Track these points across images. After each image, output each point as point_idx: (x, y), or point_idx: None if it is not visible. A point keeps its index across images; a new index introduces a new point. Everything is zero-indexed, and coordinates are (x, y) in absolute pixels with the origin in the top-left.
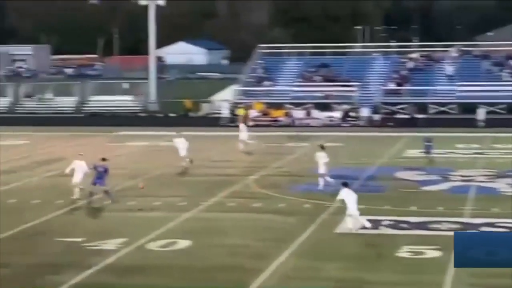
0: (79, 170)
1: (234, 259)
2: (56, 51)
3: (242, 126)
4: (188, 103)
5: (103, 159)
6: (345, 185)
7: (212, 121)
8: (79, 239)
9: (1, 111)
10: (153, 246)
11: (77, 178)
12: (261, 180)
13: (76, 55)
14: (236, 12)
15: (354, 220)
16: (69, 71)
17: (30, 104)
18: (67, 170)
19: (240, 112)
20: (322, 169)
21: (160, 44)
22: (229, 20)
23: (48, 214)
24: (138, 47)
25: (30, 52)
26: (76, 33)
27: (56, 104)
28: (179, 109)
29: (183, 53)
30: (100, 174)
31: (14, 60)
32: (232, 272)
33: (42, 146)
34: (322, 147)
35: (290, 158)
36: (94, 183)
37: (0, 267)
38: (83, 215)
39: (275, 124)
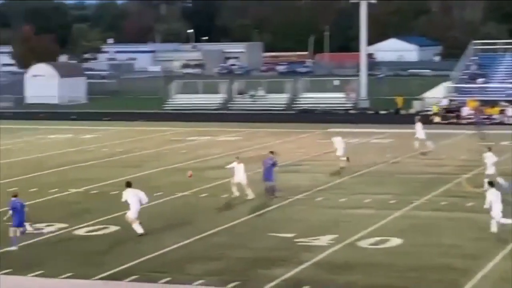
0: (239, 172)
1: (446, 259)
2: (267, 49)
3: (419, 125)
4: (399, 100)
5: (271, 152)
6: (491, 184)
7: (424, 119)
8: (291, 235)
9: (215, 107)
10: (364, 243)
11: (237, 178)
12: (475, 179)
13: (287, 52)
14: (449, 8)
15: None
16: (280, 68)
17: (242, 101)
18: (228, 167)
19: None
20: (490, 170)
21: (371, 41)
22: (442, 16)
23: (261, 209)
24: (348, 44)
25: (243, 50)
26: (287, 31)
27: (268, 101)
28: (390, 106)
29: (394, 50)
30: (268, 169)
31: (227, 58)
32: (444, 272)
33: (255, 142)
34: (490, 149)
35: (506, 157)
36: (265, 179)
37: (214, 260)
38: (295, 211)
39: (489, 122)
